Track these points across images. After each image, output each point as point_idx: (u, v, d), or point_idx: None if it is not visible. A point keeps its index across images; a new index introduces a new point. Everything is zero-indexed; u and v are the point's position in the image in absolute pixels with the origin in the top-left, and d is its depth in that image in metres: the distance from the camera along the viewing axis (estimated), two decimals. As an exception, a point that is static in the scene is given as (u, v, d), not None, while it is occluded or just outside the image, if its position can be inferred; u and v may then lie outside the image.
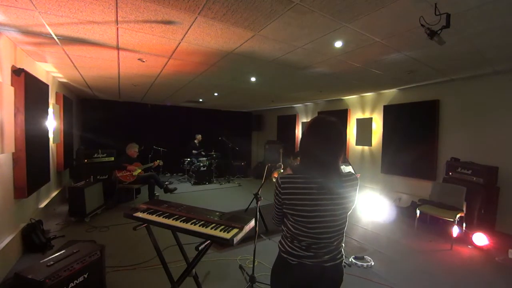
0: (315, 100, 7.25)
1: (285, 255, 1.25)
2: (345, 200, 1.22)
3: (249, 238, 2.31)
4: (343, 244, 1.29)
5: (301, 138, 1.27)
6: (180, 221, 1.86)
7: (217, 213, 1.97)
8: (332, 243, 1.22)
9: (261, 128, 10.24)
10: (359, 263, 2.97)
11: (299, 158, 1.30)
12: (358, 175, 1.36)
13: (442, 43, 2.13)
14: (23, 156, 2.97)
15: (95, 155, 5.41)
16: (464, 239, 3.62)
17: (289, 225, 1.26)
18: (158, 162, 5.74)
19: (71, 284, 1.97)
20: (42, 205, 4.00)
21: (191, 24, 2.39)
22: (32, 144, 3.17)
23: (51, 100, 4.41)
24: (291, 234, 1.24)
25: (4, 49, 2.72)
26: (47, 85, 4.02)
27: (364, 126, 6.08)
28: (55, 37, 2.75)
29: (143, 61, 3.57)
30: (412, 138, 4.99)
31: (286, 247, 1.25)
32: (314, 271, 1.20)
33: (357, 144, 6.30)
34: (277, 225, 1.38)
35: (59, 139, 4.83)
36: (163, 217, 1.93)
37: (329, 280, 1.24)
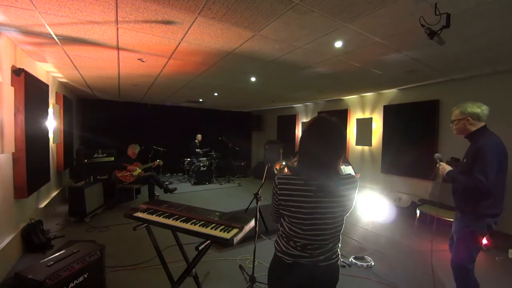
0: (315, 100, 7.25)
1: (280, 255, 1.25)
2: (344, 203, 1.20)
3: (249, 238, 2.31)
4: (339, 244, 1.28)
5: (301, 138, 1.24)
6: (180, 221, 1.87)
7: (217, 213, 1.97)
8: (327, 244, 1.21)
9: (261, 128, 10.24)
10: (359, 263, 2.97)
11: (296, 158, 1.28)
12: (358, 175, 1.36)
13: (442, 43, 2.13)
14: (23, 156, 2.97)
15: (95, 155, 5.40)
16: (464, 239, 3.62)
17: (285, 225, 1.25)
18: (158, 162, 5.74)
19: (71, 284, 1.97)
20: (42, 205, 4.00)
21: (191, 24, 2.39)
22: (32, 144, 3.18)
23: (51, 100, 4.41)
24: (287, 234, 1.23)
25: (4, 49, 2.72)
26: (47, 85, 4.02)
27: (364, 126, 6.07)
28: (55, 37, 2.75)
29: (143, 61, 3.57)
30: (412, 138, 4.99)
31: (282, 247, 1.25)
32: (309, 270, 1.21)
33: (357, 144, 6.30)
34: (275, 221, 1.37)
35: (59, 139, 4.83)
36: (163, 217, 1.93)
37: (324, 279, 1.24)
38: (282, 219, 1.29)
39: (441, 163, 2.19)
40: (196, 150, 7.98)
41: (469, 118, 2.01)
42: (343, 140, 1.19)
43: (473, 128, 2.02)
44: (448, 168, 2.11)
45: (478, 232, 1.99)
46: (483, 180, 1.81)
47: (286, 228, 1.24)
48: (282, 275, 1.25)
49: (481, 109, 1.99)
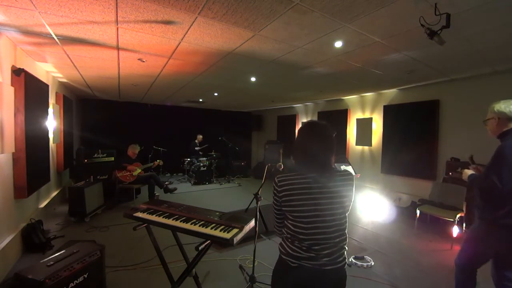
0: (315, 100, 7.25)
1: (285, 257, 1.25)
2: (342, 194, 1.24)
3: (249, 238, 2.30)
4: (346, 247, 1.27)
5: (296, 140, 1.33)
6: (180, 221, 1.86)
7: (217, 213, 1.97)
8: (333, 239, 1.21)
9: (261, 128, 10.24)
10: (359, 263, 2.97)
11: (294, 159, 1.33)
12: (358, 175, 1.38)
13: (442, 43, 2.13)
14: (23, 156, 2.97)
15: (95, 155, 5.41)
16: (464, 239, 3.62)
17: (289, 224, 1.26)
18: (158, 162, 5.74)
19: (71, 284, 1.97)
20: (42, 205, 4.00)
21: (191, 24, 2.39)
22: (32, 144, 3.17)
23: (51, 100, 4.41)
24: (292, 234, 1.24)
25: (4, 49, 2.72)
26: (47, 85, 4.02)
27: (364, 126, 6.08)
28: (55, 37, 2.75)
29: (143, 61, 3.57)
30: (412, 138, 4.99)
31: (287, 248, 1.25)
32: (314, 274, 1.19)
33: (357, 144, 6.30)
34: (279, 231, 1.38)
35: (59, 139, 4.83)
36: (163, 217, 1.93)
37: (330, 285, 1.22)
38: (285, 220, 1.30)
39: (464, 169, 2.05)
40: (196, 148, 8.00)
41: (498, 118, 1.84)
42: (332, 139, 1.29)
43: (504, 129, 1.84)
44: (470, 172, 1.98)
45: (486, 240, 1.85)
46: (496, 181, 1.68)
47: (291, 226, 1.25)
48: (286, 279, 1.24)
49: (510, 108, 1.80)
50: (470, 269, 1.97)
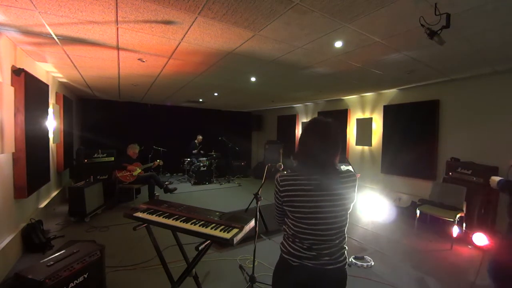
0: (315, 100, 7.25)
1: (286, 256, 1.24)
2: (344, 197, 1.23)
3: (249, 238, 2.30)
4: (345, 247, 1.27)
5: (300, 139, 1.30)
6: (180, 221, 1.87)
7: (217, 213, 1.97)
8: (334, 240, 1.21)
9: (261, 128, 10.24)
10: (359, 263, 2.97)
11: (295, 158, 1.31)
12: (358, 175, 1.37)
13: (442, 43, 2.13)
14: (23, 156, 2.97)
15: (95, 155, 5.41)
16: (464, 239, 3.62)
17: (289, 223, 1.26)
18: (158, 162, 5.74)
19: (71, 284, 1.97)
20: (42, 205, 3.99)
21: (191, 24, 2.39)
22: (32, 144, 3.17)
23: (51, 100, 4.41)
24: (292, 233, 1.24)
25: (4, 49, 2.72)
26: (47, 85, 4.02)
27: (364, 126, 6.07)
28: (55, 37, 2.75)
29: (143, 61, 3.57)
30: (412, 138, 4.99)
31: (288, 247, 1.25)
32: (315, 273, 1.19)
33: (357, 144, 6.30)
34: (280, 223, 1.38)
35: (59, 139, 4.83)
36: (163, 217, 1.93)
37: (330, 284, 1.22)
38: (286, 218, 1.30)
39: (492, 177, 2.03)
40: (193, 151, 7.98)
41: None
42: (337, 139, 1.25)
43: None
44: (498, 178, 1.96)
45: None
46: None
47: (291, 225, 1.25)
48: (287, 278, 1.24)
49: None
50: (502, 278, 1.88)
